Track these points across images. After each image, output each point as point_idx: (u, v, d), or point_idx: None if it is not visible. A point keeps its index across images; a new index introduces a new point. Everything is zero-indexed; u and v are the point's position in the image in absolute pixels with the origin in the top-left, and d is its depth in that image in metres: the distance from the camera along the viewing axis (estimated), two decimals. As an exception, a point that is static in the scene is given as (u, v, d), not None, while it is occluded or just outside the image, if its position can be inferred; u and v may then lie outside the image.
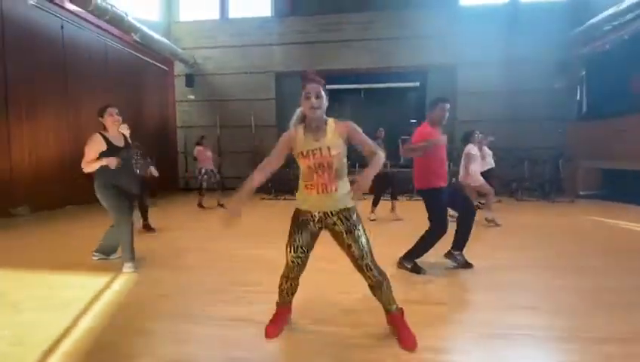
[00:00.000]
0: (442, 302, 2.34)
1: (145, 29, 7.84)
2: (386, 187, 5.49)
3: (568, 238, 4.20)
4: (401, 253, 2.95)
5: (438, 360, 1.63)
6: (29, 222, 5.47)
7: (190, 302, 2.35)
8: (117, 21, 7.15)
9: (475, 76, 9.45)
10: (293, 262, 1.73)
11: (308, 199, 1.67)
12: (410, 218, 5.30)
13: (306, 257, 1.74)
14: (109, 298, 2.41)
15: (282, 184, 8.25)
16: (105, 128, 3.00)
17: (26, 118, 6.07)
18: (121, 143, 3.04)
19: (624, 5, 6.99)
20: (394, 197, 5.62)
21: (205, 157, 6.70)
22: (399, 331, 1.70)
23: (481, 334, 1.87)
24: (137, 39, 7.77)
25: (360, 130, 1.68)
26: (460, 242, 2.96)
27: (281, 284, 1.83)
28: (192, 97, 10.36)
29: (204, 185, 6.63)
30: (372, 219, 5.31)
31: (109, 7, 6.81)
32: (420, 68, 9.85)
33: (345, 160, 1.70)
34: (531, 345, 1.79)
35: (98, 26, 7.41)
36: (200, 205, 6.58)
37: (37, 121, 6.27)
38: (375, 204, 5.45)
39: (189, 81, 10.19)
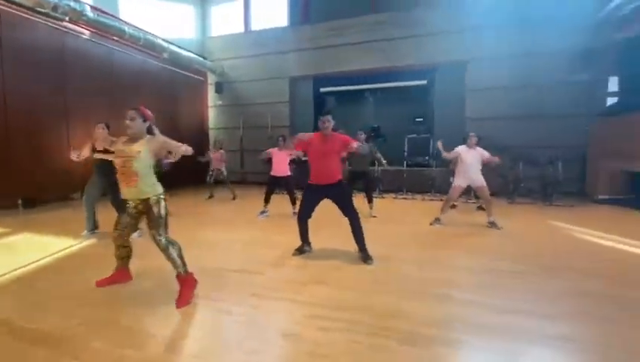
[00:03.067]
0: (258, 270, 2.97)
1: (173, 47, 9.42)
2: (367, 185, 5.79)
3: (479, 242, 4.28)
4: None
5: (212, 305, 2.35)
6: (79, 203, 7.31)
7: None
8: (149, 44, 8.80)
9: (488, 71, 9.03)
10: (115, 233, 2.57)
11: (123, 191, 2.47)
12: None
13: (125, 232, 2.55)
14: (66, 253, 3.60)
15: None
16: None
17: (81, 125, 7.99)
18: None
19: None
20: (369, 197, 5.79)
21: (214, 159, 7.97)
22: (179, 290, 2.39)
23: (256, 294, 2.51)
24: (166, 57, 9.37)
25: (168, 142, 2.43)
26: (357, 243, 3.39)
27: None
28: (219, 102, 11.86)
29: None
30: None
31: (142, 34, 8.47)
32: (428, 66, 9.75)
33: (147, 164, 2.41)
34: (284, 310, 2.37)
35: (138, 49, 9.17)
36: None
37: (91, 128, 8.17)
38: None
39: (219, 88, 11.69)
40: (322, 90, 10.91)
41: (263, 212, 5.74)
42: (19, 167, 6.77)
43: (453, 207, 6.19)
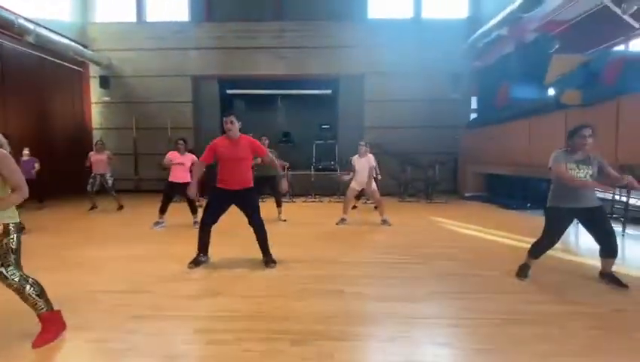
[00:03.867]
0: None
1: (40, 30, 7.84)
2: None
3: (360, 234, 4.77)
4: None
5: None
6: None
7: None
8: (7, 23, 7.14)
9: (381, 85, 10.07)
10: None
11: None
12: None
13: None
14: None
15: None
16: None
17: None
18: None
19: (488, 25, 7.79)
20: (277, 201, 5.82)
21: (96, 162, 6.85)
22: (41, 328, 1.95)
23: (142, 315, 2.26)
24: (31, 41, 7.75)
25: (12, 165, 1.86)
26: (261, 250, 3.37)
27: None
28: (107, 99, 10.35)
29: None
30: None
31: (-6, 9, 6.81)
32: (332, 76, 10.35)
33: None
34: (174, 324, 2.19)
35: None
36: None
37: None
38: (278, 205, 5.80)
39: (104, 82, 10.17)
40: (229, 92, 10.54)
41: (158, 223, 5.21)
42: None
43: (354, 207, 6.69)
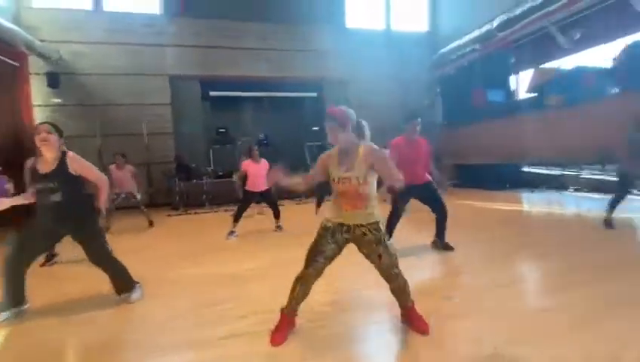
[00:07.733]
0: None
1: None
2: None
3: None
4: None
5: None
6: None
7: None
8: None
9: (362, 91, 10.74)
10: (310, 268, 1.89)
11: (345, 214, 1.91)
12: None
13: (325, 264, 1.92)
14: None
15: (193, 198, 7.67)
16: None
17: None
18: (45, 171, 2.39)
19: (464, 40, 9.27)
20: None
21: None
22: (417, 317, 2.00)
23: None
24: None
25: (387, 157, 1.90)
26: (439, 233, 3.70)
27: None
28: (57, 101, 8.53)
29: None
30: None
31: None
32: (316, 80, 10.62)
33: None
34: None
35: None
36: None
37: None
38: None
39: (53, 81, 8.37)
40: (213, 93, 9.82)
41: (232, 232, 4.80)
42: None
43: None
